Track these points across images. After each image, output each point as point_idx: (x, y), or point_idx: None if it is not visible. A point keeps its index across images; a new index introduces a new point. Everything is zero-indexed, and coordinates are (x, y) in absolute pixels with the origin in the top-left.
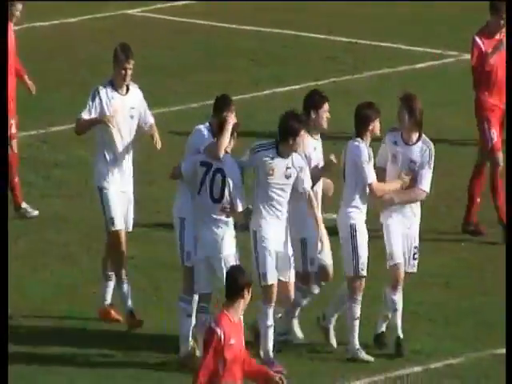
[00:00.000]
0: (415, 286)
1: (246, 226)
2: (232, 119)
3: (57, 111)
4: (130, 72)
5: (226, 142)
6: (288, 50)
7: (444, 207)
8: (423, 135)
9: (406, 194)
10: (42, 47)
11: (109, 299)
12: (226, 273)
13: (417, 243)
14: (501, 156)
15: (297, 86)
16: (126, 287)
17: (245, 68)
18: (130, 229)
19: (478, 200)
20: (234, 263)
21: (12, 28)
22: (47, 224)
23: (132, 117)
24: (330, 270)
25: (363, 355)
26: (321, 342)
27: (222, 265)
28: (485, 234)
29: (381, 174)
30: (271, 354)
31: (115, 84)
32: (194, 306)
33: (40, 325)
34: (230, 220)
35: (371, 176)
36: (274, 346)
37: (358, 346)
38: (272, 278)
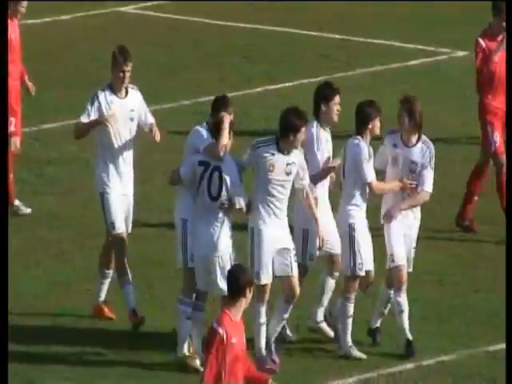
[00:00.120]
0: (409, 284)
1: None
2: (228, 118)
3: (49, 108)
4: (128, 74)
5: (225, 141)
6: (281, 48)
7: (437, 204)
8: (423, 136)
9: (412, 199)
10: (34, 45)
11: (103, 296)
12: (228, 272)
13: (415, 244)
14: (504, 158)
15: (290, 84)
16: (130, 288)
17: (237, 65)
18: (129, 230)
19: (476, 198)
20: (229, 263)
21: (17, 24)
22: (40, 221)
23: (132, 119)
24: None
25: (355, 352)
26: (313, 340)
27: (217, 266)
28: (477, 231)
29: (377, 175)
30: (263, 351)
31: (114, 87)
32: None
33: (32, 322)
34: (228, 219)
35: (370, 175)
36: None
37: (350, 343)
38: (266, 278)
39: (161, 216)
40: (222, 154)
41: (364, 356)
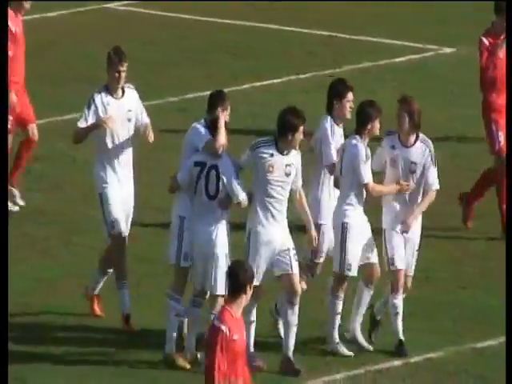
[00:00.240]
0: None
1: None
2: (224, 116)
3: (36, 105)
4: (123, 75)
5: (223, 138)
6: (268, 44)
7: None
8: (420, 134)
9: (423, 204)
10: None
11: (97, 290)
12: (228, 268)
13: (417, 247)
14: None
15: (277, 80)
16: (126, 292)
17: (225, 62)
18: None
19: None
20: (225, 262)
21: (21, 20)
22: (27, 218)
23: (129, 119)
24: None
25: (343, 350)
26: (299, 337)
27: (214, 264)
28: (469, 227)
29: (375, 177)
30: (252, 348)
31: (110, 88)
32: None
33: (18, 319)
34: (225, 218)
35: (367, 176)
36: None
37: (337, 340)
38: (257, 280)
39: (147, 213)
40: (220, 151)
41: (351, 353)
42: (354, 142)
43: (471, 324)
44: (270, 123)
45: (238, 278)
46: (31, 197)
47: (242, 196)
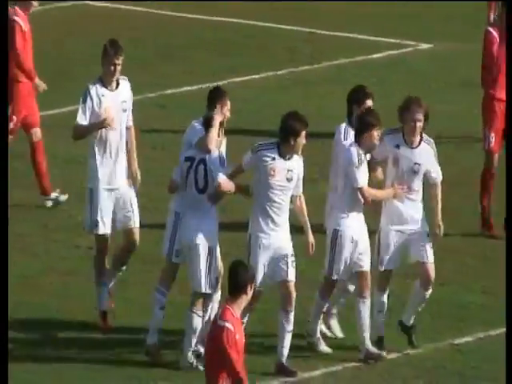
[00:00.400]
0: (374, 277)
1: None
2: (219, 115)
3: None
4: (119, 68)
5: (215, 135)
6: (247, 40)
7: None
8: (424, 135)
9: (439, 198)
10: None
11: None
12: (229, 268)
13: (427, 235)
14: (496, 159)
15: (256, 76)
16: (105, 290)
17: (204, 58)
18: (137, 224)
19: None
20: (206, 257)
21: (28, 18)
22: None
23: (124, 110)
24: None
25: (322, 347)
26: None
27: (195, 259)
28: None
29: (376, 166)
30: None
31: (104, 80)
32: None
33: None
34: (215, 212)
35: (361, 180)
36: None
37: (318, 335)
38: (256, 283)
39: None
40: (211, 147)
41: (329, 350)
42: (347, 145)
43: (449, 321)
44: (250, 118)
45: (238, 277)
46: (10, 194)
47: (220, 176)
